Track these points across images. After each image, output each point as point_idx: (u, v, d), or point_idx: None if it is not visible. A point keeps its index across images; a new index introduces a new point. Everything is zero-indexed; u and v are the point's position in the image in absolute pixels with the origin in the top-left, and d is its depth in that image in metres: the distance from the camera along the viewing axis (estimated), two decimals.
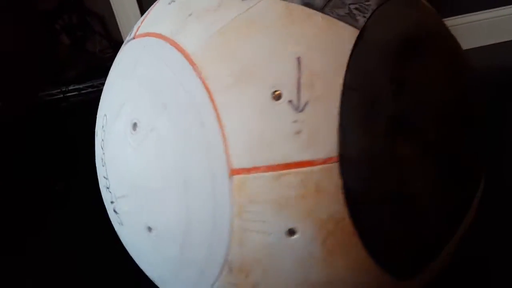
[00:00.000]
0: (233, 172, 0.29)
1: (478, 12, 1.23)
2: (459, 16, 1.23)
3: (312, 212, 0.29)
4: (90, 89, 1.33)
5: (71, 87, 1.33)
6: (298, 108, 0.28)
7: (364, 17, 0.31)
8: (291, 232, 0.29)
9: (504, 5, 1.23)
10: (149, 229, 0.33)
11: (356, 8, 0.31)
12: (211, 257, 0.31)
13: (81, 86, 1.34)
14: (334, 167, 0.28)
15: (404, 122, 0.29)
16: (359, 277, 0.31)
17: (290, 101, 0.28)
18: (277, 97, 0.28)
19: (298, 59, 0.29)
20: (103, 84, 1.26)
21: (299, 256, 0.30)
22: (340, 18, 0.30)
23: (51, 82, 1.35)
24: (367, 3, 0.31)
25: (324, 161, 0.28)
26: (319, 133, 0.28)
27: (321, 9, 0.30)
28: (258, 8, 0.30)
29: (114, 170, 0.35)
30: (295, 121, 0.28)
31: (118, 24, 1.29)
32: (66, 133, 1.14)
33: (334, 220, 0.29)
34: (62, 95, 1.33)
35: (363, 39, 0.30)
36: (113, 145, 0.35)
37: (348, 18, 0.30)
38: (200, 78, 0.30)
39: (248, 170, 0.28)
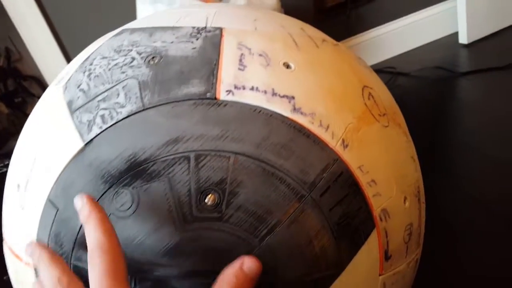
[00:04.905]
0: None
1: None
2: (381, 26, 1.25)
3: None
4: None
5: None
6: (22, 204, 0.29)
7: (101, 128, 0.27)
8: None
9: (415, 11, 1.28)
10: None
11: (102, 116, 0.28)
12: None
13: None
14: None
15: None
16: None
17: (20, 194, 0.30)
18: (17, 188, 0.30)
19: (35, 158, 0.29)
20: None
21: None
22: (78, 125, 0.28)
23: None
24: (118, 109, 0.27)
25: None
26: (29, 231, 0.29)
27: (73, 111, 0.29)
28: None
29: None
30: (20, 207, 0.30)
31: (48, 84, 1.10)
32: None
33: None
34: (6, 169, 1.09)
35: (81, 155, 0.27)
36: None
37: (83, 127, 0.28)
38: None
39: None
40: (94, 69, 0.30)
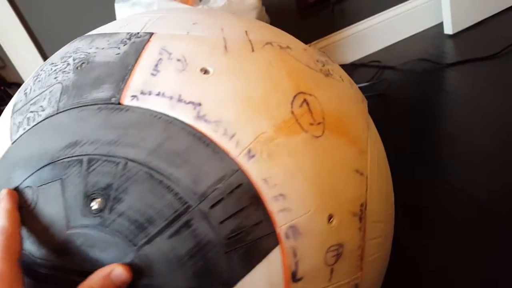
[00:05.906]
0: None
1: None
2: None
3: None
4: None
5: None
6: None
7: (24, 129, 0.30)
8: None
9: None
10: None
11: (28, 118, 0.30)
12: None
13: None
14: None
15: None
16: None
17: None
18: None
19: None
20: None
21: None
22: (11, 126, 0.31)
23: None
24: (40, 112, 0.29)
25: None
26: None
27: (13, 113, 0.32)
28: None
29: None
30: None
31: None
32: None
33: None
34: None
35: (7, 153, 0.30)
36: None
37: (14, 128, 0.30)
38: None
39: None
40: (40, 75, 0.33)
